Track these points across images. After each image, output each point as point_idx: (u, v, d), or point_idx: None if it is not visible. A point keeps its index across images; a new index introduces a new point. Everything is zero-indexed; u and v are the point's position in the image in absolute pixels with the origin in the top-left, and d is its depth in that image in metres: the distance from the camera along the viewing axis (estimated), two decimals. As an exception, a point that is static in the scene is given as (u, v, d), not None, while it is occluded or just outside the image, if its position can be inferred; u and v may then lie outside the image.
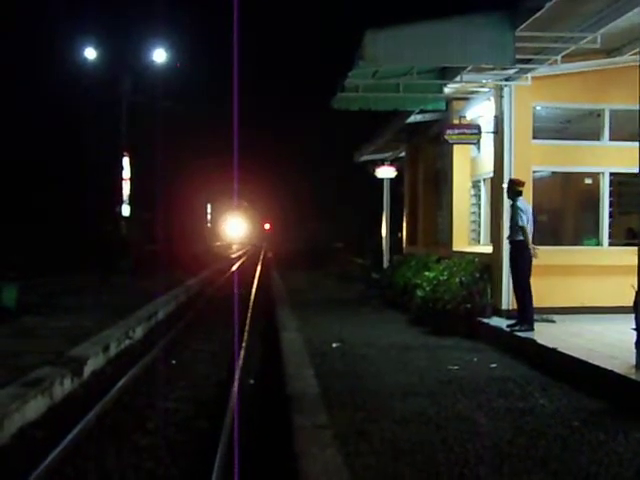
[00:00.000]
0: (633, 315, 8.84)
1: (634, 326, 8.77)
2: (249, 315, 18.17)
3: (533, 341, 11.27)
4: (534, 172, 14.22)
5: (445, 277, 14.60)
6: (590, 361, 9.36)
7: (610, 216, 14.63)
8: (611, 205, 14.64)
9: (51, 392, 9.35)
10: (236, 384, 10.23)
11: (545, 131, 14.87)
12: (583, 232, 16.00)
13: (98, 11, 38.50)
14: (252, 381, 11.05)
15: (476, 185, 17.22)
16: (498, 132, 14.24)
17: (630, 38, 12.24)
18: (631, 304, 8.94)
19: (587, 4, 10.51)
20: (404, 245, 23.54)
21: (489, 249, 14.78)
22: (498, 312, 13.69)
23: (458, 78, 14.05)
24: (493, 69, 13.52)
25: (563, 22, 11.20)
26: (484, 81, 14.48)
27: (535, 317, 12.33)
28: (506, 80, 13.96)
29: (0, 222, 31.54)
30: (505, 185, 13.23)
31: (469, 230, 17.38)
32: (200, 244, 63.39)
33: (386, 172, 25.11)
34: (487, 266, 14.24)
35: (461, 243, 17.09)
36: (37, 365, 10.20)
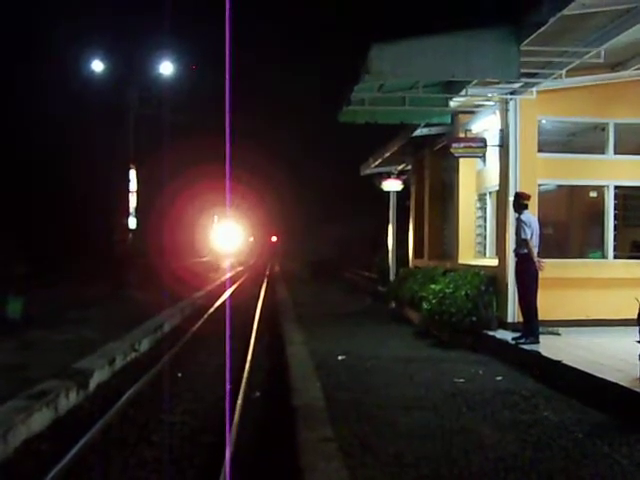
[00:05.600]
0: (638, 328, 8.85)
1: (638, 339, 8.78)
2: (255, 327, 18.19)
3: (538, 354, 11.28)
4: (539, 185, 14.24)
5: (451, 290, 14.60)
6: (595, 374, 9.36)
7: (615, 229, 14.64)
8: (616, 218, 14.65)
9: (56, 405, 9.38)
10: (240, 397, 10.28)
11: (550, 144, 14.89)
12: (588, 245, 16.00)
13: (106, 24, 38.69)
14: (258, 394, 11.06)
15: (482, 198, 17.24)
16: (504, 145, 14.28)
17: (633, 53, 12.31)
18: (636, 317, 8.95)
19: (591, 19, 10.58)
20: (410, 258, 23.53)
21: (495, 262, 14.80)
22: (504, 325, 13.69)
23: (463, 92, 14.11)
24: (498, 83, 13.58)
25: (567, 37, 11.27)
26: (489, 95, 14.52)
27: (540, 330, 12.33)
28: (511, 94, 14.01)
29: (6, 233, 31.62)
30: (511, 198, 13.26)
31: (475, 243, 17.40)
32: (208, 256, 63.35)
33: (392, 185, 25.10)
34: (493, 279, 14.25)
35: (467, 256, 17.12)
36: (43, 378, 10.23)
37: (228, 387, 10.78)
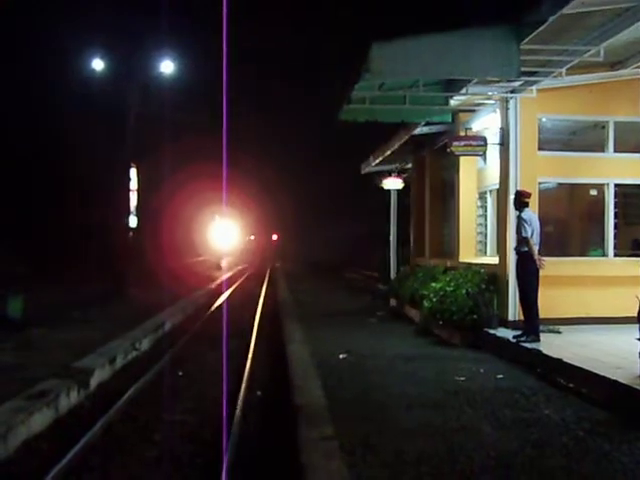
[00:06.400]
0: (638, 325, 8.86)
1: (638, 336, 8.79)
2: (256, 325, 18.20)
3: (539, 352, 11.29)
4: (540, 183, 14.25)
5: (452, 288, 14.61)
6: (595, 371, 9.38)
7: (615, 227, 14.67)
8: (616, 216, 14.68)
9: (57, 404, 9.38)
10: (242, 395, 10.29)
11: (551, 142, 14.90)
12: (589, 243, 16.01)
13: (106, 23, 38.65)
14: (259, 393, 11.06)
15: (482, 196, 17.26)
16: (504, 144, 14.28)
17: (633, 51, 12.31)
18: (636, 314, 8.97)
19: (590, 18, 10.58)
20: (411, 256, 23.54)
21: (495, 260, 14.80)
22: (504, 323, 13.70)
23: (464, 90, 14.12)
24: (499, 81, 13.58)
25: (567, 35, 11.27)
26: (490, 93, 14.54)
27: (541, 328, 12.35)
28: (511, 92, 14.01)
29: (6, 233, 31.62)
30: (512, 196, 13.28)
31: (476, 241, 17.42)
32: (207, 255, 63.35)
33: (393, 183, 25.07)
34: (493, 277, 14.26)
35: (468, 254, 17.12)
36: (43, 377, 10.24)
37: (225, 387, 10.80)
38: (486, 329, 13.57)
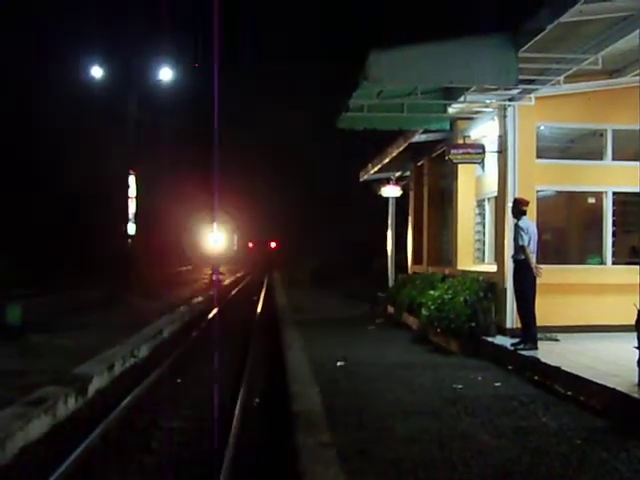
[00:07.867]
0: (636, 334, 8.86)
1: (636, 344, 8.79)
2: (254, 332, 18.18)
3: (537, 360, 11.28)
4: (538, 191, 14.27)
5: (450, 296, 14.62)
6: (593, 379, 9.37)
7: (613, 235, 14.68)
8: (614, 224, 14.68)
9: (55, 411, 9.37)
10: (240, 402, 10.29)
11: (549, 151, 14.92)
12: (587, 251, 16.00)
13: (104, 30, 38.74)
14: (257, 400, 11.06)
15: (480, 204, 17.25)
16: (502, 152, 14.30)
17: (631, 59, 12.33)
18: (634, 323, 8.96)
19: (588, 26, 10.60)
20: (409, 264, 23.55)
21: (493, 268, 14.81)
22: (502, 331, 13.69)
23: (462, 98, 14.14)
24: (497, 89, 13.61)
25: (565, 44, 11.29)
26: (488, 101, 14.56)
27: (539, 336, 12.34)
28: (510, 100, 14.04)
29: (7, 239, 31.63)
30: (510, 204, 13.29)
31: (474, 249, 17.40)
32: (204, 263, 63.34)
33: (391, 191, 25.08)
34: (491, 285, 14.26)
35: (466, 262, 17.12)
36: (41, 384, 10.23)
37: (223, 395, 10.79)
38: (484, 337, 13.56)
